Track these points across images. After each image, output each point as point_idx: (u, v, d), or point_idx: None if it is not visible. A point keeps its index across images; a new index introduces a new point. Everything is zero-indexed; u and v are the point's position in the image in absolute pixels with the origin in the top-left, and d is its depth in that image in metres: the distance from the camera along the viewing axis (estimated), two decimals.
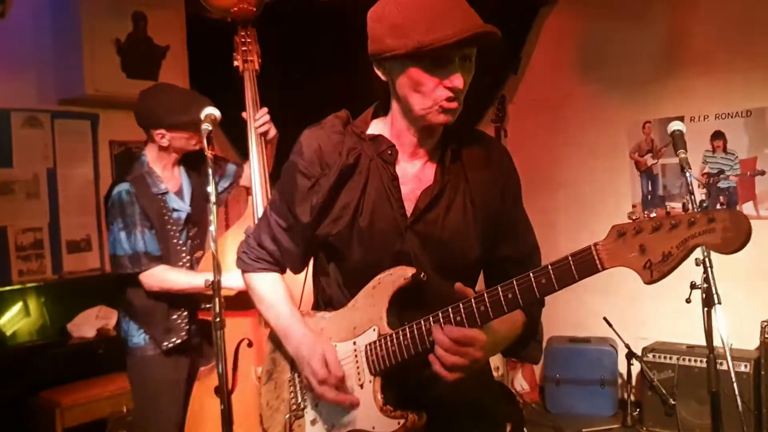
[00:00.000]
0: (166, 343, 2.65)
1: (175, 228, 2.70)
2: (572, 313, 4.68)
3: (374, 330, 1.50)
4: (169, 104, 2.65)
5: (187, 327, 2.69)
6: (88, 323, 3.90)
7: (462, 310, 1.38)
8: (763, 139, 4.23)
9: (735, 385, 2.09)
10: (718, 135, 4.37)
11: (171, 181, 2.74)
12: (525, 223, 1.64)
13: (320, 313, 1.64)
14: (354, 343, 1.53)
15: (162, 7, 4.24)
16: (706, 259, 1.85)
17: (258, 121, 2.66)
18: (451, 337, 1.36)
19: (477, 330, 1.38)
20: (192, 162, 2.81)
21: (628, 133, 4.74)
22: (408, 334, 1.44)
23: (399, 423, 1.44)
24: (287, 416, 1.64)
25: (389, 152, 1.52)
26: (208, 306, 1.78)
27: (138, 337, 2.68)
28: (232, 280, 2.43)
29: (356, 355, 1.52)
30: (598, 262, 1.24)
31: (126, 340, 2.72)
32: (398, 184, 1.51)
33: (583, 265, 1.25)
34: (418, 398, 1.49)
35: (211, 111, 2.08)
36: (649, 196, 4.68)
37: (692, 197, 1.97)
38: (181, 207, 2.74)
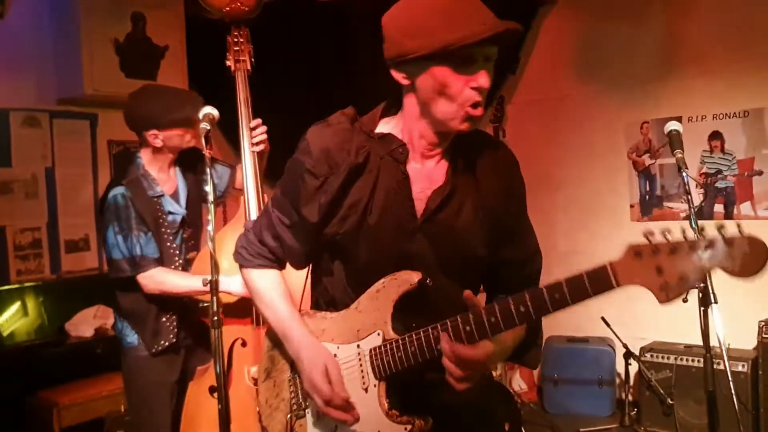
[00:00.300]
0: (156, 347, 2.66)
1: (169, 231, 2.70)
2: (570, 313, 4.62)
3: (379, 334, 1.48)
4: (157, 105, 2.65)
5: (176, 330, 2.69)
6: (86, 323, 3.89)
7: (472, 320, 1.37)
8: (761, 139, 4.24)
9: (732, 384, 2.09)
10: (715, 135, 4.37)
11: (167, 183, 2.74)
12: (528, 227, 1.64)
13: (321, 313, 1.63)
14: (358, 346, 1.51)
15: (161, 8, 4.24)
16: None
17: (256, 137, 2.66)
18: (459, 357, 1.36)
19: (485, 350, 1.38)
20: (188, 163, 2.81)
21: (625, 134, 4.75)
22: (415, 341, 1.43)
23: (406, 429, 1.44)
24: (288, 416, 1.63)
25: (400, 150, 1.50)
26: (206, 304, 1.78)
27: (131, 336, 2.69)
28: (232, 284, 2.44)
29: (360, 359, 1.51)
30: (613, 279, 1.25)
31: (121, 340, 2.73)
32: (409, 183, 1.50)
33: (598, 282, 1.26)
34: (422, 402, 1.49)
35: (210, 110, 2.08)
36: (647, 196, 4.69)
37: (689, 197, 1.97)
38: (177, 210, 2.74)
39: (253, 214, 2.67)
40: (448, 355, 1.37)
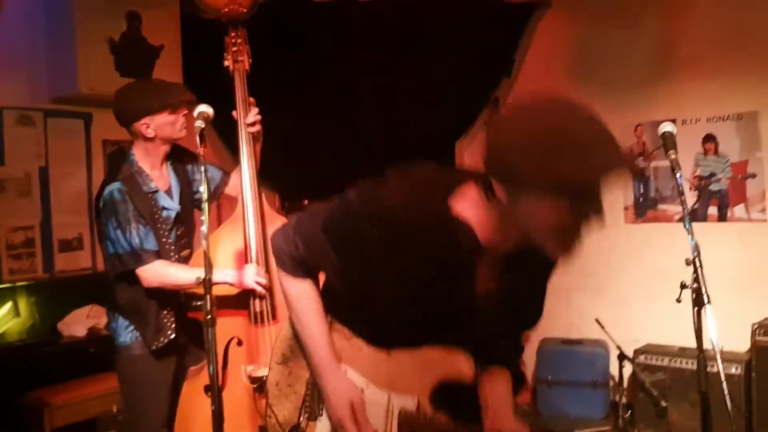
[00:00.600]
0: (156, 344, 2.65)
1: (165, 227, 2.69)
2: (564, 315, 4.69)
3: (414, 399, 1.51)
4: (144, 93, 2.67)
5: (174, 326, 2.69)
6: (79, 322, 3.88)
7: None
8: (754, 142, 4.26)
9: (725, 386, 2.09)
10: (709, 138, 4.39)
11: (160, 180, 2.74)
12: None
13: (357, 340, 1.61)
14: (389, 397, 1.54)
15: (156, 7, 4.23)
16: (696, 259, 1.85)
17: (250, 118, 2.69)
18: None
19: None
20: (179, 161, 2.82)
21: (619, 136, 4.71)
22: (445, 428, 1.47)
23: None
24: (300, 411, 1.65)
25: None
26: (198, 303, 1.77)
27: (125, 336, 2.68)
28: (224, 275, 2.46)
29: (388, 411, 1.53)
30: None
31: (114, 339, 2.72)
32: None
33: None
34: None
35: (204, 108, 2.08)
36: (641, 199, 4.70)
37: (683, 198, 1.97)
38: (171, 206, 2.73)
39: (251, 214, 2.68)
40: None
